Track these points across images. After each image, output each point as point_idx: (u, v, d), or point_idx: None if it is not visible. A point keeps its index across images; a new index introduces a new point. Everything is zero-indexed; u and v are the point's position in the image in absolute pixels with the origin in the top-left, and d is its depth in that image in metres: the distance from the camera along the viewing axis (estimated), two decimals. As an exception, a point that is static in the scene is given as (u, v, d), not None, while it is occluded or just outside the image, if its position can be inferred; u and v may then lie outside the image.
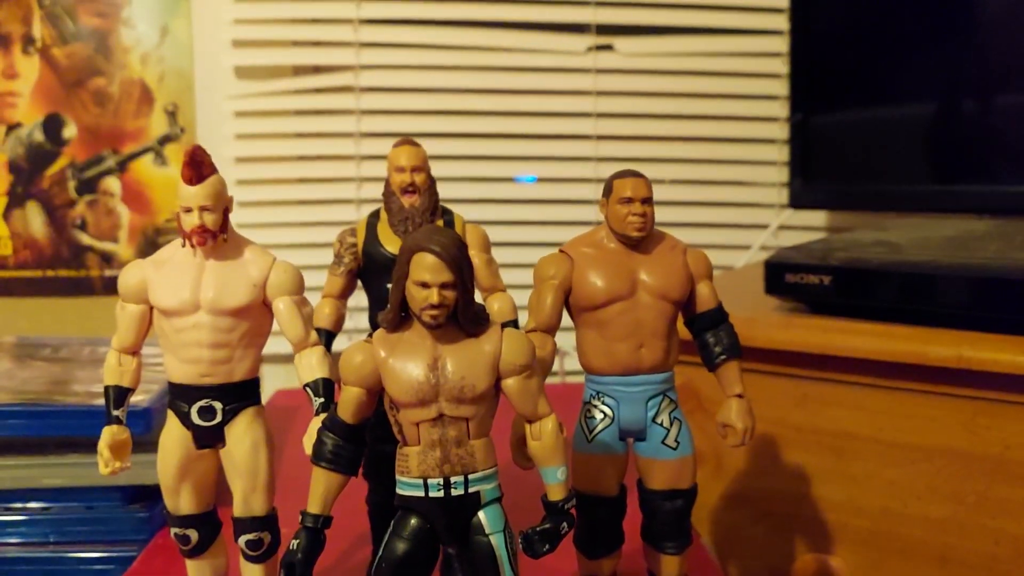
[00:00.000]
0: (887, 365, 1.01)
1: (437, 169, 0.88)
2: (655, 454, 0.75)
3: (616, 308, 0.74)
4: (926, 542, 1.02)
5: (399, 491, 0.64)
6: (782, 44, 1.69)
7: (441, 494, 0.62)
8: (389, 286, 0.64)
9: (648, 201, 0.74)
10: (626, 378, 0.75)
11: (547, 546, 0.64)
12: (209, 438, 0.73)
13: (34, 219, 1.72)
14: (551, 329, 0.75)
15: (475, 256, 0.84)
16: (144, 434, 0.92)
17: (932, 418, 1.00)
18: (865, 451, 1.05)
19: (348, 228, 0.89)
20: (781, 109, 1.72)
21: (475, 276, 0.81)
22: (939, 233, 1.19)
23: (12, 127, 1.70)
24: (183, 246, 0.72)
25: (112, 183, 1.72)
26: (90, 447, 0.75)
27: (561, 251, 0.77)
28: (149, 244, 1.72)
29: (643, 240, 0.75)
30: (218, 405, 0.72)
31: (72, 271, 1.73)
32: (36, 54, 1.68)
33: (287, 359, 0.77)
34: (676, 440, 0.75)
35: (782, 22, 1.68)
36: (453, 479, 0.62)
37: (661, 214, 0.77)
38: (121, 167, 1.72)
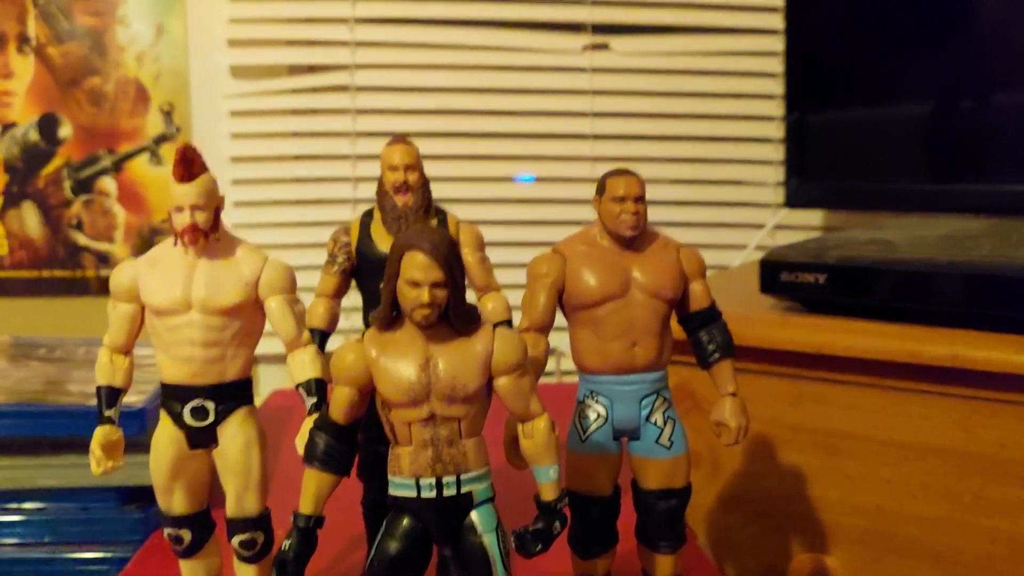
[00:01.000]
0: (882, 364, 1.01)
1: (432, 169, 0.88)
2: (649, 453, 0.75)
3: (609, 307, 0.74)
4: (921, 541, 1.02)
5: (391, 491, 0.63)
6: (778, 43, 1.68)
7: (433, 494, 0.62)
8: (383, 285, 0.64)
9: (641, 200, 0.74)
10: (620, 377, 0.74)
11: (540, 546, 0.64)
12: (202, 438, 0.72)
13: (30, 219, 1.72)
14: (544, 328, 0.75)
15: (469, 255, 0.84)
16: (138, 435, 0.91)
17: (927, 417, 1.00)
18: (860, 450, 1.05)
19: (342, 227, 0.89)
20: (777, 108, 1.72)
21: (469, 275, 0.81)
22: (934, 232, 1.19)
23: (7, 127, 1.70)
24: (175, 245, 0.72)
25: (108, 183, 1.72)
26: (85, 448, 0.74)
27: (554, 250, 0.77)
28: (145, 244, 1.72)
29: (636, 238, 0.75)
30: (211, 405, 0.72)
31: (68, 271, 1.73)
32: (31, 53, 1.68)
33: (282, 359, 0.77)
34: (670, 439, 0.75)
35: (777, 21, 1.68)
36: (445, 479, 0.62)
37: (656, 213, 0.77)
38: (117, 167, 1.72)
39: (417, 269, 0.60)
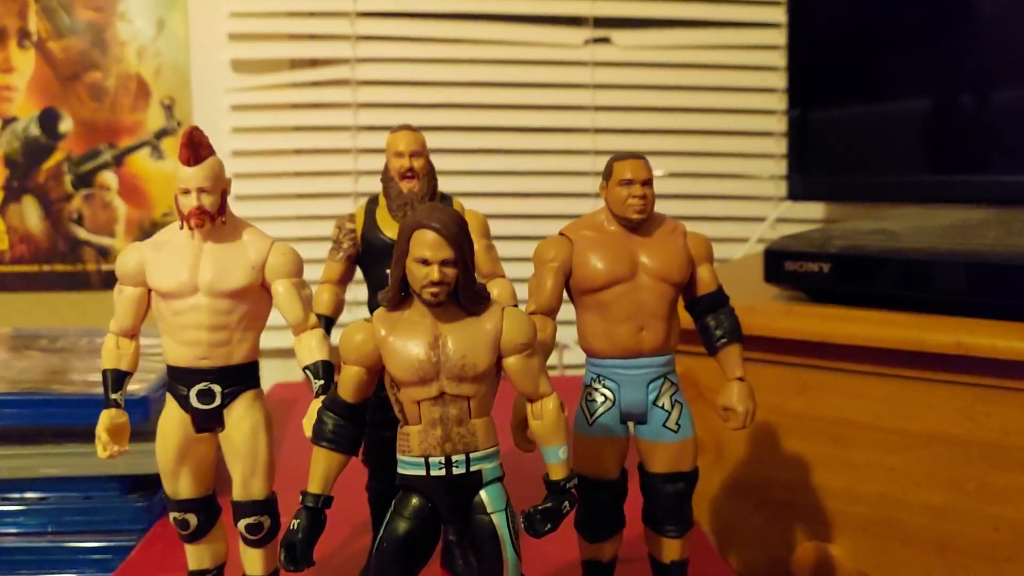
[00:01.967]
0: (886, 352, 1.01)
1: (434, 162, 0.88)
2: (656, 437, 0.75)
3: (616, 290, 0.74)
4: (926, 529, 1.02)
5: (400, 470, 0.63)
6: (780, 37, 1.69)
7: (443, 473, 0.62)
8: (388, 271, 0.64)
9: (648, 183, 0.74)
10: (627, 361, 0.74)
11: (549, 525, 0.64)
12: (208, 421, 0.72)
13: (30, 213, 1.72)
14: (552, 312, 0.75)
15: (475, 242, 0.84)
16: (142, 423, 0.91)
17: (931, 405, 1.00)
18: (864, 439, 1.05)
19: (347, 214, 0.89)
20: (779, 102, 1.72)
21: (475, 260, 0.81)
22: (937, 221, 1.19)
23: (8, 121, 1.69)
24: (181, 228, 0.71)
25: (108, 177, 1.72)
26: (88, 436, 0.74)
27: (561, 234, 0.77)
28: (146, 238, 1.71)
29: (643, 222, 0.75)
30: (217, 388, 0.71)
31: (68, 265, 1.73)
32: (32, 48, 1.68)
33: (285, 353, 0.77)
34: (677, 423, 0.75)
35: (779, 15, 1.68)
36: (455, 458, 0.62)
37: (658, 207, 0.77)
38: (117, 161, 1.71)
39: (427, 247, 0.59)
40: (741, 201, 1.77)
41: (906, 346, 0.99)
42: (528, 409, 0.65)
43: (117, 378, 0.73)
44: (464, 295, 0.61)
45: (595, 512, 0.76)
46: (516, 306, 0.86)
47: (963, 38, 1.32)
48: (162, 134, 1.72)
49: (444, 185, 0.89)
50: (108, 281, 1.69)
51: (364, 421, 0.65)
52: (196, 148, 0.69)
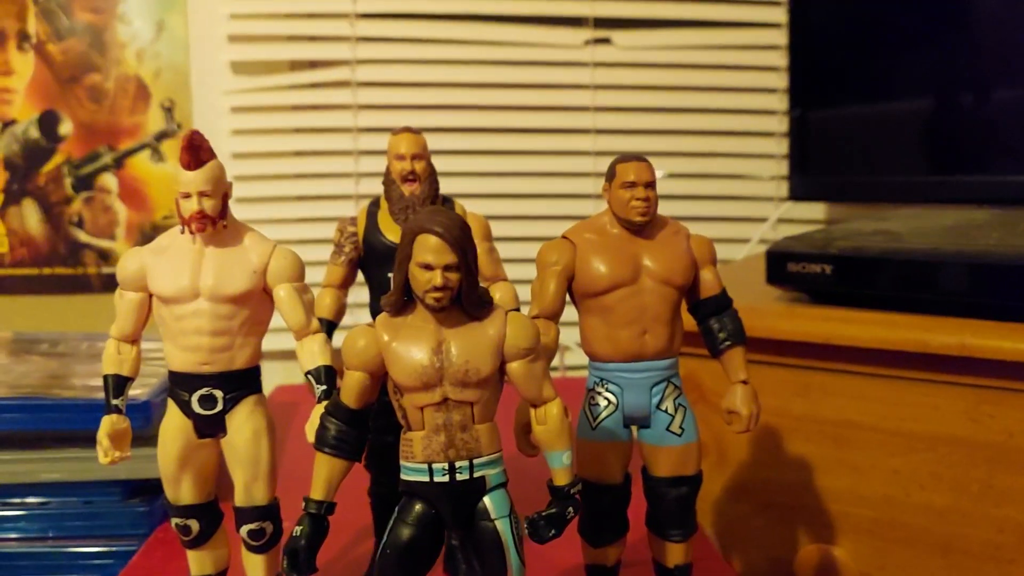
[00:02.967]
0: (889, 354, 1.00)
1: (435, 164, 0.87)
2: (660, 441, 0.75)
3: (619, 294, 0.73)
4: (929, 531, 1.01)
5: (403, 476, 0.63)
6: (781, 37, 1.69)
7: (446, 479, 0.61)
8: (390, 275, 0.64)
9: (651, 186, 0.73)
10: (630, 364, 0.74)
11: (553, 531, 0.63)
12: (210, 427, 0.72)
13: (30, 216, 1.71)
14: (554, 315, 0.75)
15: (477, 245, 0.83)
16: (143, 428, 0.91)
17: (935, 406, 1.00)
18: (867, 440, 1.04)
19: (348, 217, 0.88)
20: (780, 102, 1.72)
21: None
22: (940, 222, 1.19)
23: (7, 124, 1.69)
24: (182, 233, 0.71)
25: (109, 180, 1.71)
26: (89, 441, 0.74)
27: (563, 237, 0.76)
28: (146, 241, 1.69)
29: (646, 225, 0.74)
30: (219, 393, 0.71)
31: (69, 269, 1.72)
32: (31, 50, 1.67)
33: (287, 355, 0.77)
34: (681, 427, 0.75)
35: (780, 15, 1.68)
36: (458, 464, 0.61)
37: (659, 208, 0.77)
38: (117, 164, 1.71)
39: (429, 252, 0.59)
40: (742, 202, 1.76)
41: (909, 347, 0.99)
42: (532, 414, 0.65)
43: (118, 383, 0.72)
44: (467, 300, 0.61)
45: (598, 517, 0.76)
46: (518, 309, 0.86)
47: (964, 38, 1.31)
48: (162, 136, 1.71)
49: (445, 186, 0.89)
50: (109, 284, 1.69)
51: (367, 427, 0.65)
52: (197, 152, 0.69)
